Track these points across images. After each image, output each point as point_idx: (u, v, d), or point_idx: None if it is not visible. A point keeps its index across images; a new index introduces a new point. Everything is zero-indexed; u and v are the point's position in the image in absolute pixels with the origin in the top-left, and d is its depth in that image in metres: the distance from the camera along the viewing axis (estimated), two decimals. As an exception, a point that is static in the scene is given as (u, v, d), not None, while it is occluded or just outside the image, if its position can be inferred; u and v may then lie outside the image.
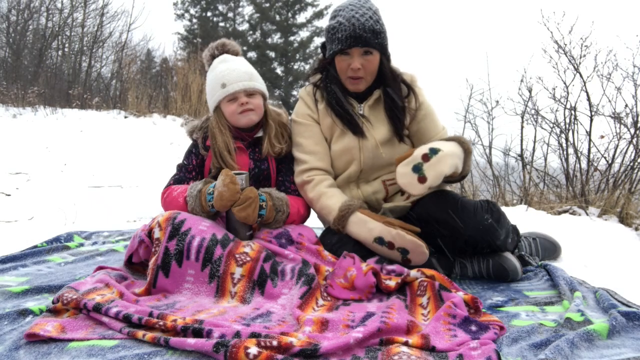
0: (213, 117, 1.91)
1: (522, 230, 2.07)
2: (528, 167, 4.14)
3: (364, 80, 1.83)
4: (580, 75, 3.78)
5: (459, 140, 1.70)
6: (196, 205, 1.67)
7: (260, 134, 1.93)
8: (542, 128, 4.10)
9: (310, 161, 1.88)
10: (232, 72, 1.84)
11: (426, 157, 1.58)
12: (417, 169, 1.58)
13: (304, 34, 19.69)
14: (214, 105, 1.89)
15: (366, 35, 1.74)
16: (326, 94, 1.90)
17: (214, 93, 1.88)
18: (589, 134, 3.79)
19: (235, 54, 1.97)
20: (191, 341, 1.08)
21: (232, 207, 1.64)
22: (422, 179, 1.57)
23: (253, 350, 1.03)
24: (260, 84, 1.90)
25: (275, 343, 1.06)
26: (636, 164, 3.57)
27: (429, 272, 1.54)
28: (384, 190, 1.90)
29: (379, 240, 1.66)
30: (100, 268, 1.62)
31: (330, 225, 1.82)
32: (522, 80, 4.10)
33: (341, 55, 1.80)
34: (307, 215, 1.94)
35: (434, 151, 1.58)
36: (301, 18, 19.75)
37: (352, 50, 1.77)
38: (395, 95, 1.86)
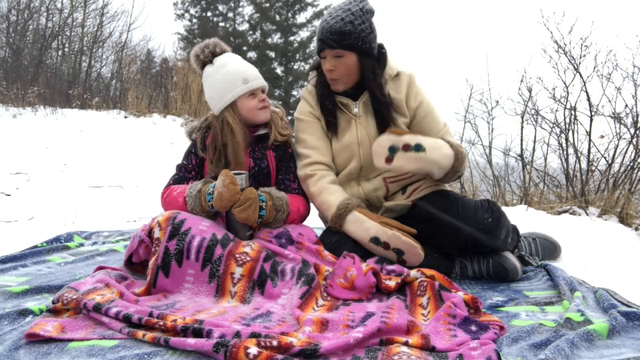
0: (228, 114, 1.85)
1: (522, 230, 2.07)
2: (528, 167, 4.14)
3: (340, 81, 1.87)
4: (580, 75, 3.78)
5: (457, 157, 1.73)
6: (196, 205, 1.67)
7: (261, 131, 1.94)
8: (542, 128, 4.10)
9: (314, 155, 1.90)
10: (249, 69, 1.88)
11: (407, 148, 1.65)
12: (392, 150, 1.67)
13: (304, 34, 19.70)
14: (231, 100, 1.84)
15: (332, 38, 1.78)
16: (318, 91, 1.95)
17: (232, 89, 1.83)
18: (589, 134, 3.79)
19: (222, 52, 1.94)
20: (191, 341, 1.08)
21: (232, 208, 1.64)
22: (388, 160, 1.68)
23: (253, 350, 1.03)
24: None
25: (275, 343, 1.06)
26: (636, 164, 3.57)
27: (428, 272, 1.54)
28: (385, 188, 1.91)
29: (375, 240, 1.67)
30: (100, 268, 1.62)
31: (328, 222, 1.83)
32: (522, 80, 4.10)
33: (321, 58, 1.88)
34: (307, 214, 1.95)
35: (418, 148, 1.65)
36: (301, 18, 19.76)
37: (324, 52, 1.83)
38: (376, 98, 1.87)
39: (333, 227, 1.79)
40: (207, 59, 1.91)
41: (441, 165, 1.70)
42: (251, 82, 1.85)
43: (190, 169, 1.92)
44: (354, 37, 1.78)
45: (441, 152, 1.70)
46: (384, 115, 1.87)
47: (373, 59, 1.86)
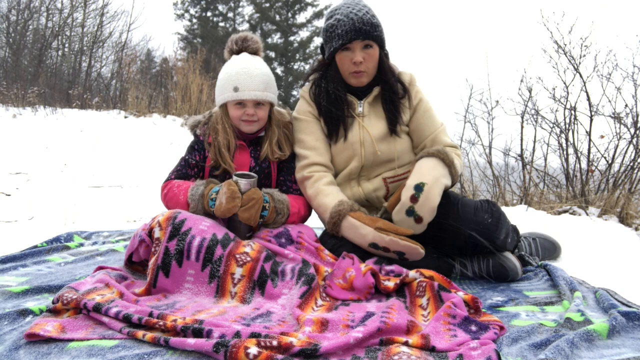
0: (218, 113, 1.90)
1: (522, 230, 2.07)
2: (528, 167, 4.14)
3: (365, 74, 1.86)
4: (580, 75, 3.78)
5: (440, 156, 1.70)
6: (199, 209, 1.70)
7: (262, 133, 1.94)
8: (542, 128, 4.10)
9: (311, 156, 1.90)
10: (248, 78, 1.82)
11: (414, 199, 1.63)
12: (410, 212, 1.64)
13: (304, 34, 19.72)
14: (221, 103, 1.88)
15: (366, 28, 1.78)
16: (322, 93, 1.91)
17: (224, 92, 1.85)
18: (589, 134, 3.79)
19: (255, 51, 1.93)
20: (191, 341, 1.08)
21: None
22: (418, 220, 1.64)
23: (253, 350, 1.03)
24: (272, 93, 1.88)
25: (275, 343, 1.06)
26: (636, 164, 3.57)
27: (427, 272, 1.53)
28: (385, 187, 1.91)
29: (374, 245, 1.67)
30: (100, 268, 1.62)
31: (325, 228, 1.83)
32: (522, 80, 4.10)
33: (342, 52, 1.83)
34: (308, 215, 1.94)
35: (419, 189, 1.62)
36: (301, 18, 19.78)
37: (352, 44, 1.80)
38: (393, 90, 1.89)
39: (330, 233, 1.79)
40: (233, 52, 1.93)
41: (441, 175, 1.67)
42: (240, 93, 1.81)
43: (193, 165, 1.91)
44: (380, 30, 1.83)
45: (429, 169, 1.67)
46: (394, 113, 1.88)
47: (388, 56, 1.92)
